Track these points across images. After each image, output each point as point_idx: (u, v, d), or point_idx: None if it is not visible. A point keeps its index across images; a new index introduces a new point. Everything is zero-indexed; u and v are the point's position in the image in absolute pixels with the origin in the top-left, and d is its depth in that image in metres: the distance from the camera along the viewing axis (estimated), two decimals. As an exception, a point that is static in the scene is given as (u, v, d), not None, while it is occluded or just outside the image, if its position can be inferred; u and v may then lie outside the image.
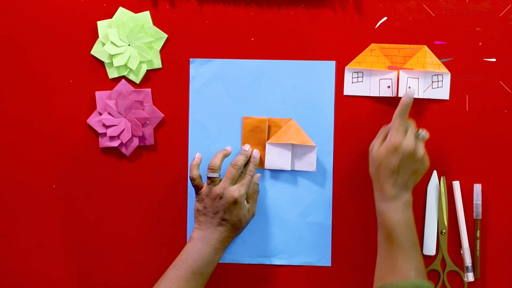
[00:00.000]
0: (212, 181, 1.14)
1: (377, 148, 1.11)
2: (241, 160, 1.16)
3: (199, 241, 1.12)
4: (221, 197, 1.13)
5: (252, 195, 1.17)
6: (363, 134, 1.19)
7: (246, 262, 1.21)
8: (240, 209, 1.13)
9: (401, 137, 1.08)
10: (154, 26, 1.19)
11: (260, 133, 1.19)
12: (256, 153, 1.18)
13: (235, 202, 1.12)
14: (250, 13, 1.19)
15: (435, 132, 1.18)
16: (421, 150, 1.10)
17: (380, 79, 1.18)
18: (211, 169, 1.15)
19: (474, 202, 1.17)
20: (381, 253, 1.09)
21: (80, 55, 1.20)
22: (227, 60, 1.20)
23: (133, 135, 1.20)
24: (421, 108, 1.18)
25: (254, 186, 1.17)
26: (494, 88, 1.18)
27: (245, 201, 1.14)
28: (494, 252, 1.18)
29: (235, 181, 1.15)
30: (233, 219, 1.13)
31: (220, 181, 1.15)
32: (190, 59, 1.20)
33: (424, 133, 1.12)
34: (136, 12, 1.19)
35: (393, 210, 1.09)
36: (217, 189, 1.13)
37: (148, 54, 1.19)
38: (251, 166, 1.17)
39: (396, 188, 1.09)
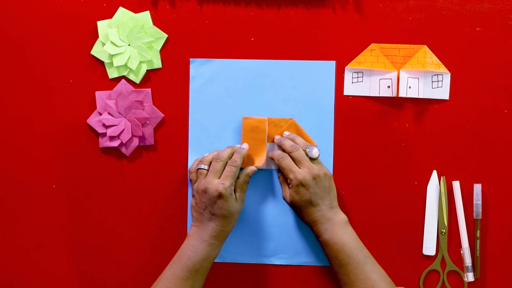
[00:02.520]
0: (201, 173, 1.14)
1: (287, 194, 1.13)
2: (225, 153, 1.14)
3: (193, 238, 1.12)
4: (205, 192, 1.12)
5: (242, 185, 1.15)
6: (363, 134, 1.19)
7: (246, 262, 1.21)
8: (227, 202, 1.11)
9: (296, 173, 1.11)
10: (154, 26, 1.19)
11: (260, 133, 1.19)
12: (245, 145, 1.17)
13: (219, 196, 1.11)
14: (250, 13, 1.19)
15: (435, 132, 1.18)
16: (317, 170, 1.12)
17: (380, 79, 1.18)
18: (200, 161, 1.15)
19: (474, 202, 1.18)
20: (343, 279, 1.10)
21: (80, 55, 1.20)
22: (227, 60, 1.20)
23: (133, 135, 1.20)
24: (421, 108, 1.18)
25: (245, 177, 1.16)
26: (494, 88, 1.18)
27: (232, 193, 1.12)
28: (494, 252, 1.18)
29: (219, 174, 1.13)
30: (222, 212, 1.11)
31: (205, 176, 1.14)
32: (190, 59, 1.20)
33: (313, 151, 1.13)
34: (136, 12, 1.19)
35: (335, 234, 1.10)
36: (202, 184, 1.12)
37: (148, 54, 1.19)
38: (235, 156, 1.14)
39: (325, 213, 1.11)
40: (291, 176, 1.12)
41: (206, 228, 1.12)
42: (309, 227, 1.14)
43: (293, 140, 1.16)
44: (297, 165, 1.13)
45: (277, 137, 1.18)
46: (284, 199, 1.14)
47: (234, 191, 1.14)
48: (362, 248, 1.10)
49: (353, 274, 1.08)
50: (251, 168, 1.17)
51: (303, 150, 1.14)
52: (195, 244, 1.11)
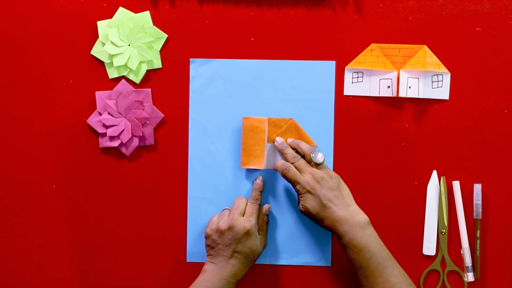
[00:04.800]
0: (222, 214, 1.14)
1: (299, 204, 1.13)
2: (243, 200, 1.15)
3: (211, 275, 1.10)
4: (231, 229, 1.11)
5: (262, 226, 1.15)
6: (363, 134, 1.19)
7: (246, 262, 1.21)
8: (253, 239, 1.11)
9: (301, 182, 1.11)
10: (154, 26, 1.19)
11: (259, 133, 1.19)
12: (259, 179, 1.17)
13: (247, 233, 1.11)
14: (250, 13, 1.19)
15: (435, 132, 1.18)
16: (320, 173, 1.11)
17: (380, 79, 1.18)
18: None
19: (474, 202, 1.18)
20: (362, 281, 1.09)
21: (80, 55, 1.20)
22: (227, 60, 1.20)
23: (133, 135, 1.20)
24: (421, 108, 1.18)
25: (263, 217, 1.16)
26: (494, 88, 1.18)
27: (257, 232, 1.13)
28: (494, 252, 1.18)
29: (243, 213, 1.13)
30: (246, 250, 1.11)
31: (228, 215, 1.14)
32: (190, 59, 1.20)
33: (318, 157, 1.13)
34: (136, 12, 1.19)
35: (354, 236, 1.08)
36: (226, 221, 1.12)
37: (148, 54, 1.19)
38: (255, 194, 1.15)
39: (341, 214, 1.09)
40: (297, 186, 1.12)
41: (226, 266, 1.10)
42: (331, 232, 1.11)
43: (297, 146, 1.15)
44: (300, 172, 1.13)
45: (278, 140, 1.17)
46: (300, 211, 1.14)
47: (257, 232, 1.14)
48: (383, 250, 1.08)
49: (372, 277, 1.07)
50: (266, 206, 1.17)
51: (308, 156, 1.13)
52: (213, 281, 1.10)
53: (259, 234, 1.13)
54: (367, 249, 1.07)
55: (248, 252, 1.11)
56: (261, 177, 1.17)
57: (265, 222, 1.16)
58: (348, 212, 1.09)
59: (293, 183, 1.12)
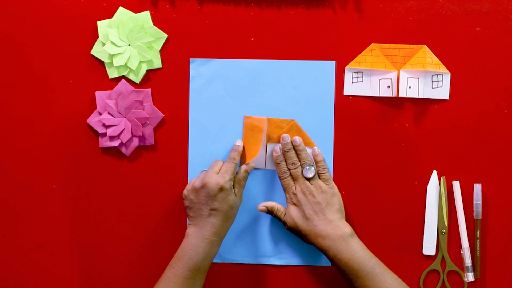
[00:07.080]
0: (198, 176, 1.15)
1: (286, 216, 1.16)
2: (220, 162, 1.16)
3: (193, 237, 1.11)
4: (204, 187, 1.11)
5: (240, 181, 1.16)
6: (363, 134, 1.19)
7: (246, 262, 1.21)
8: (228, 195, 1.12)
9: (290, 192, 1.15)
10: (154, 26, 1.19)
11: (258, 132, 1.19)
12: (239, 142, 1.18)
13: (221, 189, 1.11)
14: (250, 13, 1.19)
15: (435, 132, 1.18)
16: (309, 187, 1.14)
17: (380, 79, 1.18)
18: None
19: (474, 202, 1.18)
20: None
21: (80, 55, 1.20)
22: (227, 60, 1.20)
23: (133, 135, 1.20)
24: (421, 108, 1.18)
25: (243, 174, 1.16)
26: (494, 88, 1.18)
27: (232, 188, 1.13)
28: (494, 252, 1.18)
29: (219, 171, 1.14)
30: (223, 207, 1.11)
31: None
32: (190, 59, 1.20)
33: (308, 172, 1.15)
34: (136, 12, 1.19)
35: (338, 250, 1.10)
36: (200, 180, 1.13)
37: (148, 54, 1.19)
38: (232, 154, 1.16)
39: (323, 228, 1.11)
40: (286, 195, 1.16)
41: (206, 225, 1.11)
42: (316, 248, 1.13)
43: (300, 153, 1.16)
44: (293, 181, 1.16)
45: (286, 139, 1.17)
46: (284, 224, 1.16)
47: (233, 186, 1.14)
48: (369, 259, 1.10)
49: (363, 287, 1.08)
50: (250, 165, 1.18)
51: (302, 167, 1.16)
52: (196, 243, 1.11)
53: (235, 188, 1.14)
54: (353, 260, 1.09)
55: (226, 208, 1.12)
56: (240, 140, 1.18)
57: (243, 178, 1.16)
58: (330, 226, 1.12)
59: (284, 189, 1.17)
